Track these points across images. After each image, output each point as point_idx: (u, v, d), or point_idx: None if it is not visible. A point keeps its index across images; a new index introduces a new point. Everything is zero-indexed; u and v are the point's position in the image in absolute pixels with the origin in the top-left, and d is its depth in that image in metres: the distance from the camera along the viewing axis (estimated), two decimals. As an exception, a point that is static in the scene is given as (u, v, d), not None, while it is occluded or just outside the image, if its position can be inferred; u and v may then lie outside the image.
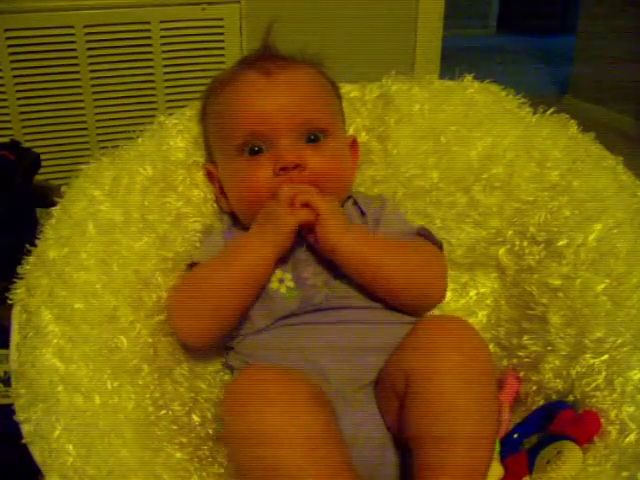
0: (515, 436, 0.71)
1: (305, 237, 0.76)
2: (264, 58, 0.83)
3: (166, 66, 1.65)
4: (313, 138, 0.79)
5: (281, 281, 0.76)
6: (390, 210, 0.85)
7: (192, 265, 0.80)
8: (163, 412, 0.72)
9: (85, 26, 1.56)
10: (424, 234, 0.83)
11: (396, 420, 0.67)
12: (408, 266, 0.77)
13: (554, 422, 0.68)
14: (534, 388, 0.76)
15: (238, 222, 0.84)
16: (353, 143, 0.88)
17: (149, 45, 1.62)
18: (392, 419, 0.68)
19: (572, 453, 0.62)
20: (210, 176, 0.86)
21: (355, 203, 0.85)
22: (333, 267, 0.76)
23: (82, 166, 0.81)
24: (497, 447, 0.68)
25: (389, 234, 0.80)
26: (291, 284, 0.76)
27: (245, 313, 0.76)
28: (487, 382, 0.64)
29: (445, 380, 0.62)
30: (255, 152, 0.78)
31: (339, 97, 0.88)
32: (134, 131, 0.86)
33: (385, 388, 0.70)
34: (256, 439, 0.59)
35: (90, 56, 1.59)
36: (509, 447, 0.70)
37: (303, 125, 0.78)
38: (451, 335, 0.66)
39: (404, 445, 0.66)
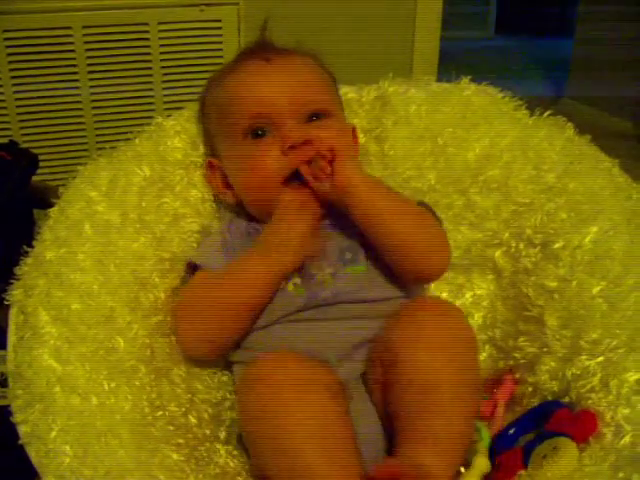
0: (511, 432, 0.71)
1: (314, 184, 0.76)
2: (262, 48, 0.84)
3: (164, 67, 1.64)
4: (315, 118, 0.80)
5: (288, 279, 0.76)
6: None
7: (191, 265, 0.81)
8: (160, 413, 0.72)
9: (83, 27, 1.56)
10: (426, 206, 0.84)
11: (381, 400, 0.69)
12: (413, 221, 0.78)
13: (550, 421, 0.68)
14: (530, 389, 0.76)
15: (241, 214, 0.84)
16: (353, 132, 0.89)
17: (147, 46, 1.62)
18: (379, 401, 0.70)
19: (568, 449, 0.62)
20: (212, 169, 0.85)
21: None
22: (340, 259, 0.77)
23: (80, 167, 0.81)
24: (487, 442, 0.68)
25: None
26: (298, 281, 0.76)
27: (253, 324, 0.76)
28: (469, 358, 0.66)
29: (427, 353, 0.64)
30: (259, 135, 0.79)
31: (336, 86, 0.89)
32: (132, 132, 0.87)
33: (373, 364, 0.71)
34: (272, 421, 0.61)
35: (88, 57, 1.59)
36: (504, 443, 0.70)
37: (306, 106, 0.79)
38: (434, 312, 0.68)
39: (389, 425, 0.67)
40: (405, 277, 0.78)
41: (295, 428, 0.60)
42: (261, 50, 0.84)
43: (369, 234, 0.76)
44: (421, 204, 0.85)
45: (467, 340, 0.68)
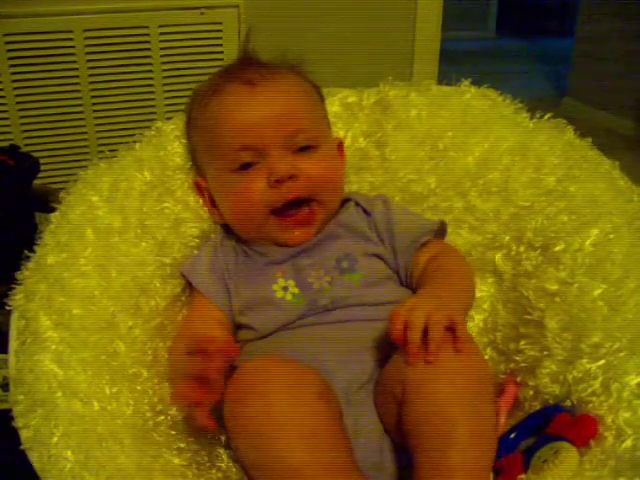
0: (512, 436, 0.71)
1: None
2: (245, 67, 0.82)
3: (165, 70, 1.65)
4: (303, 147, 0.79)
5: (285, 289, 0.77)
6: (398, 209, 0.85)
7: (185, 279, 0.81)
8: (162, 418, 0.72)
9: (84, 30, 1.56)
10: (441, 233, 0.83)
11: (395, 424, 0.67)
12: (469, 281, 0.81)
13: (551, 425, 0.68)
14: (531, 393, 0.76)
15: (230, 232, 0.85)
16: (339, 146, 0.89)
17: (148, 49, 1.62)
18: (391, 422, 0.69)
19: (569, 453, 0.62)
20: (199, 189, 0.85)
21: (357, 204, 0.85)
22: (336, 267, 0.77)
23: (81, 171, 0.82)
24: None
25: (406, 237, 0.81)
26: (296, 290, 0.77)
27: None
28: (482, 388, 0.64)
29: (439, 387, 0.62)
30: (246, 166, 0.78)
31: (322, 100, 0.89)
32: (133, 135, 0.87)
33: (384, 393, 0.70)
34: (260, 429, 0.60)
35: (89, 60, 1.59)
36: (505, 447, 0.69)
37: (292, 135, 0.79)
38: (445, 343, 0.66)
39: (404, 448, 0.66)
40: None
41: (283, 431, 0.59)
42: (245, 70, 0.81)
43: None
44: (437, 232, 0.83)
45: (479, 368, 0.66)
